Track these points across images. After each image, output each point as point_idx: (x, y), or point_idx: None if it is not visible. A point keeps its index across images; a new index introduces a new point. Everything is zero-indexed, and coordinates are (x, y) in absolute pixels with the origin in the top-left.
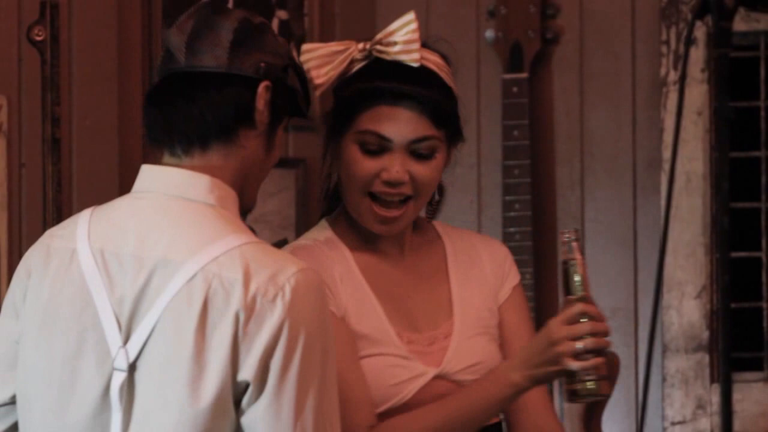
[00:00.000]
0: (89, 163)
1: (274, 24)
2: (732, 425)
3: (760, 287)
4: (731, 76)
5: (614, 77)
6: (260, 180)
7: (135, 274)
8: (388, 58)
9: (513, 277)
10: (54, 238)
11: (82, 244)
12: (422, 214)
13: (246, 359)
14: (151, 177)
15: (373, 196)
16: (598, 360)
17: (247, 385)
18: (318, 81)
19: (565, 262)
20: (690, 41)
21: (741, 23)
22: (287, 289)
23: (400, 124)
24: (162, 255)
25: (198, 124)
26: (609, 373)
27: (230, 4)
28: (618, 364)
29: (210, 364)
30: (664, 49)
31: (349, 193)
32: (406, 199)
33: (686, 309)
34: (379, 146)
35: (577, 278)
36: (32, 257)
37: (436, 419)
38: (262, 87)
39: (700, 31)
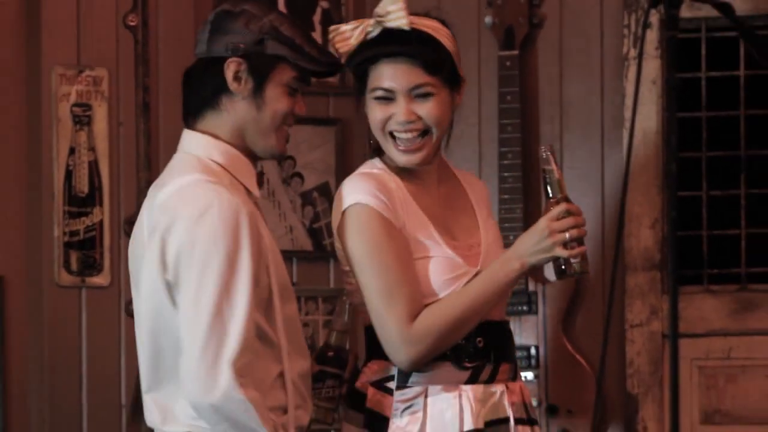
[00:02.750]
0: (173, 123)
1: (318, 12)
2: (678, 327)
3: (700, 219)
4: (678, 53)
5: (586, 54)
6: (263, 131)
7: (147, 212)
8: (387, 25)
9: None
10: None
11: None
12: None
13: (167, 262)
14: (181, 140)
15: (392, 136)
16: (583, 248)
17: (170, 283)
18: (342, 51)
19: (544, 171)
20: (646, 25)
21: (686, 11)
22: (198, 212)
23: (398, 77)
24: (153, 195)
25: (191, 101)
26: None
27: None
28: (589, 280)
29: (152, 264)
30: (625, 31)
31: (377, 137)
32: (424, 134)
33: (643, 236)
34: (386, 96)
35: (555, 183)
36: None
37: (461, 303)
38: (227, 62)
39: (654, 18)
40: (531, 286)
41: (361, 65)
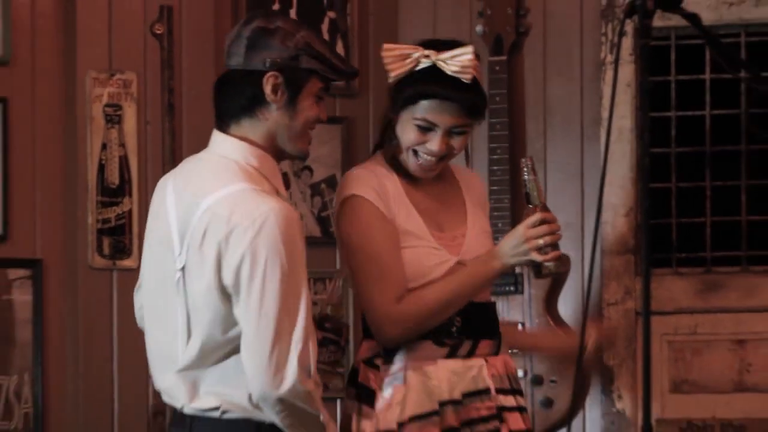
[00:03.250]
0: (194, 122)
1: (326, 22)
2: (650, 305)
3: (670, 208)
4: (651, 58)
5: (567, 59)
6: (294, 137)
7: (182, 203)
8: (447, 71)
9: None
10: (165, 177)
11: (172, 177)
12: None
13: (224, 268)
14: (214, 141)
15: (415, 152)
16: (556, 252)
17: (227, 287)
18: (394, 73)
19: (524, 180)
20: (622, 33)
21: (658, 21)
22: (257, 224)
23: (445, 116)
24: (193, 192)
25: (226, 107)
26: (563, 257)
27: (293, 6)
28: (569, 262)
29: (206, 266)
30: (603, 39)
31: (402, 149)
32: (443, 158)
33: (618, 224)
34: (427, 127)
35: (534, 192)
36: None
37: (444, 290)
38: (266, 77)
39: (629, 27)
40: (518, 269)
41: (413, 93)
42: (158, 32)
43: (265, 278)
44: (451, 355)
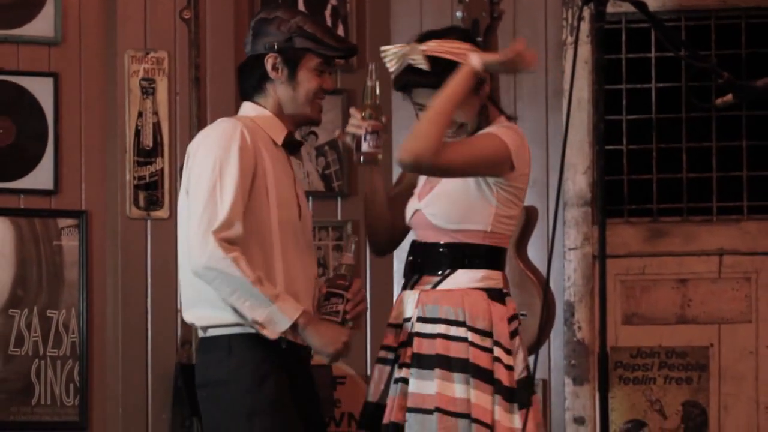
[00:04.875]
0: (217, 93)
1: (328, 9)
2: (605, 250)
3: (622, 167)
4: (605, 39)
5: (534, 40)
6: (300, 104)
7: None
8: (413, 66)
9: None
10: None
11: None
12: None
13: (185, 168)
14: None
15: None
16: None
17: (188, 191)
18: (391, 69)
19: (365, 82)
20: (580, 18)
21: (611, 7)
22: (203, 134)
23: (428, 98)
24: None
25: (246, 88)
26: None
27: None
28: (376, 159)
29: (183, 179)
30: (564, 23)
31: None
32: (461, 125)
33: (578, 180)
34: (421, 108)
35: (366, 94)
36: None
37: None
38: (266, 58)
39: (586, 12)
40: None
41: (399, 88)
42: (186, 17)
43: (201, 166)
44: (405, 287)
